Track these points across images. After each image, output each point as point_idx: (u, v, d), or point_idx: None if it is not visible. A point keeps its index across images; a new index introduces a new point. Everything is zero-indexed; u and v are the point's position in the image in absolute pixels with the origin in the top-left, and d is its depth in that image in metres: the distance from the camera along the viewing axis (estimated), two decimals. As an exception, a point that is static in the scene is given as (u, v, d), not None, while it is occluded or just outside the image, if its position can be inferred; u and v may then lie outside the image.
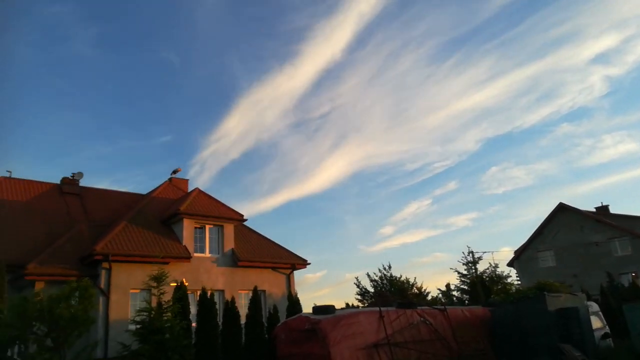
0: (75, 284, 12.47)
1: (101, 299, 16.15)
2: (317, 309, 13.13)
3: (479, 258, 30.52)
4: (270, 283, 21.37)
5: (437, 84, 75.38)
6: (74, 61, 69.82)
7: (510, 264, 34.23)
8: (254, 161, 79.80)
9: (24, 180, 22.18)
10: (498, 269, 30.29)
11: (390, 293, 29.94)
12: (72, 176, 23.52)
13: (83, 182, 23.91)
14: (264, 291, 20.61)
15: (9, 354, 12.75)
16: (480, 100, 70.66)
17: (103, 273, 16.65)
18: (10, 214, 19.38)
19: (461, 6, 72.48)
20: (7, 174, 21.88)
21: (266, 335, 16.55)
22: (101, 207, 22.68)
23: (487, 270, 30.19)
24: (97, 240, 17.47)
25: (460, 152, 76.37)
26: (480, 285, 23.21)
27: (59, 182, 23.23)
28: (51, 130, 70.24)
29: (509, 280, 29.54)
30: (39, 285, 15.50)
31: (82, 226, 19.40)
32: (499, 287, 26.70)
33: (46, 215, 20.33)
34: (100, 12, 71.80)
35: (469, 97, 71.60)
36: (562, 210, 36.76)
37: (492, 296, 20.73)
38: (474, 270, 30.37)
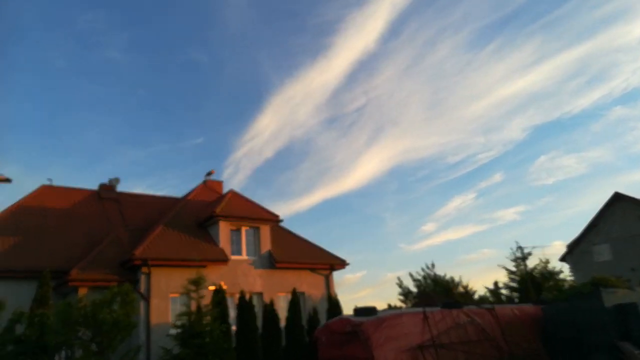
0: (117, 289, 12.56)
1: (142, 304, 16.22)
2: (359, 311, 12.71)
3: (529, 253, 29.26)
4: (309, 285, 21.07)
5: (477, 71, 73.33)
6: (107, 67, 71.83)
7: (562, 259, 32.67)
8: (288, 160, 79.97)
9: (64, 187, 22.76)
10: (549, 265, 29.01)
11: (435, 293, 29.14)
12: (109, 182, 23.96)
13: (120, 188, 24.38)
14: (302, 293, 20.34)
15: (56, 359, 12.97)
16: (526, 86, 68.12)
17: (142, 278, 16.74)
18: (53, 221, 19.85)
19: (499, -13, 70.24)
20: (49, 182, 22.50)
21: (306, 338, 16.28)
22: (138, 211, 23.03)
23: (538, 267, 28.90)
24: (136, 245, 17.63)
25: (506, 142, 73.86)
26: (530, 282, 22.20)
27: (97, 188, 23.74)
28: (87, 137, 72.50)
29: (561, 276, 28.19)
30: (82, 291, 15.71)
31: (121, 231, 19.65)
32: (551, 283, 25.50)
33: (86, 222, 20.76)
34: (130, 17, 73.60)
35: (512, 83, 69.17)
36: (618, 199, 34.83)
37: (543, 293, 19.78)
38: (523, 267, 29.17)
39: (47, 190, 21.85)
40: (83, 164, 71.96)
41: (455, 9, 69.80)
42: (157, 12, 73.28)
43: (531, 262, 28.85)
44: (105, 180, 23.97)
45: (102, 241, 18.80)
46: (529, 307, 15.29)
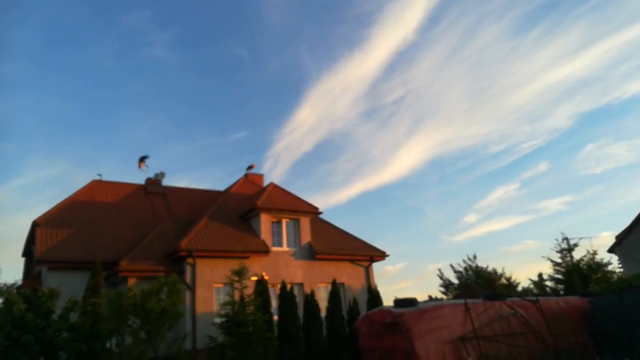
0: (164, 280, 13.02)
1: (188, 294, 16.78)
2: (399, 302, 12.71)
3: (575, 245, 28.27)
4: (349, 276, 21.20)
5: (521, 58, 70.84)
6: (152, 65, 74.03)
7: (610, 250, 31.26)
8: (327, 152, 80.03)
9: (112, 182, 23.73)
10: (597, 256, 27.94)
11: (476, 284, 28.65)
12: (156, 176, 24.79)
13: (165, 182, 25.18)
14: (342, 284, 20.49)
15: (107, 345, 13.62)
16: (572, 72, 65.27)
17: (188, 268, 17.31)
18: (103, 215, 20.77)
19: (543, -29, 67.48)
20: (98, 178, 23.51)
21: (347, 329, 16.41)
22: (183, 205, 23.78)
23: (585, 258, 27.91)
24: (181, 237, 18.21)
25: (551, 130, 71.10)
26: (576, 274, 21.46)
27: (144, 182, 24.63)
28: (135, 133, 75.00)
29: (610, 268, 27.09)
30: (131, 281, 16.39)
31: (167, 224, 20.33)
32: (599, 275, 24.57)
33: (134, 215, 21.62)
34: (174, 16, 75.39)
35: (558, 69, 66.42)
36: (668, 189, 33.14)
37: (590, 286, 19.11)
38: (569, 258, 28.23)
39: (97, 185, 22.86)
40: (131, 159, 74.50)
41: (497, -6, 67.63)
42: (199, 9, 74.78)
43: (578, 254, 27.89)
44: (151, 175, 24.83)
45: (149, 233, 19.56)
46: (575, 300, 14.83)
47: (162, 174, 24.86)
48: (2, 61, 64.52)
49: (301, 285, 19.59)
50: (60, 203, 20.42)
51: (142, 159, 24.74)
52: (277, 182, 22.51)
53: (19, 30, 65.51)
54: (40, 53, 67.44)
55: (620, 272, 27.71)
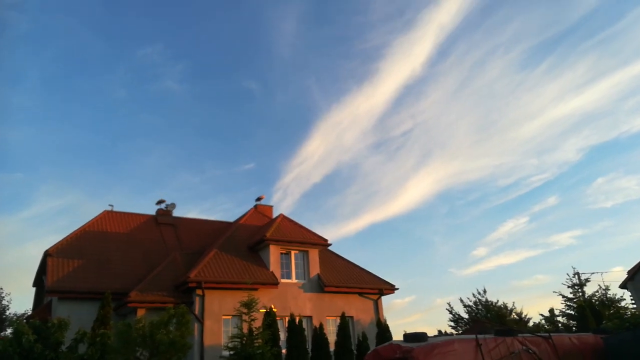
0: (173, 311, 13.00)
1: (196, 325, 16.71)
2: (409, 337, 12.53)
3: (587, 280, 27.93)
4: (358, 309, 21.01)
5: (529, 91, 71.46)
6: (163, 97, 75.55)
7: (623, 286, 30.83)
8: (336, 184, 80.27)
9: (124, 213, 24.03)
10: (609, 292, 27.51)
11: (487, 319, 28.21)
12: (166, 207, 25.06)
13: (175, 213, 25.39)
14: (351, 317, 20.30)
15: (115, 377, 13.50)
16: (580, 105, 65.67)
17: (197, 300, 17.30)
18: (114, 245, 20.95)
19: (551, 6, 68.63)
20: (110, 208, 23.83)
21: (356, 363, 16.21)
22: (193, 235, 23.95)
23: (597, 293, 27.50)
24: (191, 268, 18.28)
25: (560, 164, 71.10)
26: (589, 310, 21.10)
27: (154, 213, 24.88)
28: (145, 164, 75.92)
29: (623, 303, 26.64)
30: (140, 312, 16.41)
31: (177, 255, 20.43)
32: (611, 311, 24.13)
33: (144, 246, 21.78)
34: (185, 49, 77.40)
35: (566, 102, 66.88)
36: (680, 223, 32.78)
37: (604, 322, 18.76)
38: (581, 294, 27.80)
39: (108, 216, 23.14)
40: (141, 189, 75.25)
41: (505, 29, 68.83)
42: (210, 43, 76.71)
43: (589, 289, 27.50)
44: (162, 206, 25.09)
45: (159, 264, 19.66)
46: (588, 337, 14.54)
47: (172, 205, 25.15)
48: (16, 92, 66.24)
49: (310, 318, 19.43)
50: (72, 233, 20.67)
51: (159, 202, 25.22)
52: (285, 213, 22.64)
53: (34, 61, 67.50)
54: (54, 84, 69.30)
55: (633, 308, 27.20)
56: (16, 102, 64.67)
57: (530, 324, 30.14)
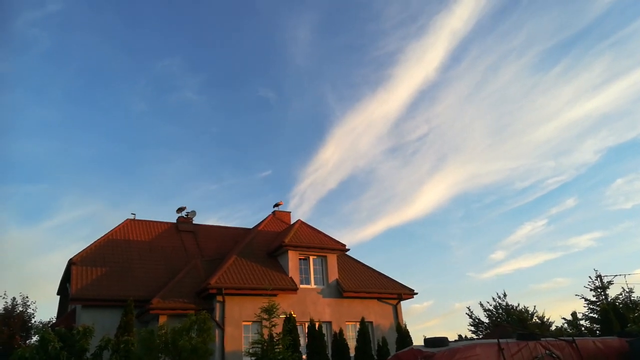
0: (195, 317, 13.17)
1: (217, 331, 16.86)
2: (429, 341, 12.47)
3: (610, 282, 27.32)
4: (377, 314, 20.97)
5: (544, 94, 70.71)
6: (182, 108, 76.66)
7: (646, 288, 30.35)
8: (351, 189, 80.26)
9: (146, 221, 24.40)
10: (633, 294, 26.90)
11: (507, 323, 27.85)
12: (187, 215, 25.38)
13: (195, 220, 25.70)
14: (371, 322, 20.25)
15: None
16: (597, 107, 64.67)
17: (217, 306, 17.47)
18: (136, 253, 21.29)
19: (564, 9, 67.89)
20: (132, 216, 24.22)
21: (377, 368, 16.17)
22: (213, 242, 24.23)
23: (621, 296, 26.92)
24: (211, 275, 18.46)
25: (578, 165, 70.03)
26: (613, 312, 20.69)
27: (175, 220, 25.21)
28: (165, 173, 76.96)
29: (648, 306, 26.01)
30: (162, 319, 16.62)
31: (197, 261, 20.67)
32: (636, 314, 23.62)
33: (166, 253, 22.09)
34: (202, 60, 78.59)
35: (582, 104, 65.95)
36: None
37: (629, 325, 18.39)
38: (604, 297, 27.27)
39: (131, 224, 23.54)
40: (162, 197, 76.31)
41: (518, 32, 68.26)
42: (227, 54, 77.70)
43: (612, 292, 26.96)
44: (182, 213, 25.44)
45: (180, 271, 19.91)
46: (613, 340, 14.29)
47: (193, 213, 25.45)
48: (41, 106, 67.78)
49: (329, 323, 19.46)
50: (96, 241, 21.05)
51: (180, 210, 25.45)
52: (302, 219, 22.75)
53: (58, 76, 69.04)
54: (77, 97, 70.70)
55: (659, 310, 26.54)
56: (40, 115, 66.24)
57: (553, 327, 29.64)
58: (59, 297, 24.28)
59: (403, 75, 70.89)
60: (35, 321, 25.24)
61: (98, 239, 21.22)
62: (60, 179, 72.34)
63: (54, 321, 24.09)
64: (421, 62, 70.03)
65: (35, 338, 22.64)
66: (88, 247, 20.45)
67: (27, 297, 25.60)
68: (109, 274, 19.27)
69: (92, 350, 13.01)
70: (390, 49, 73.49)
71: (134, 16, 70.44)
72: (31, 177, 69.88)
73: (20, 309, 24.99)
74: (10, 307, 24.64)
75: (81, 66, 69.48)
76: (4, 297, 24.84)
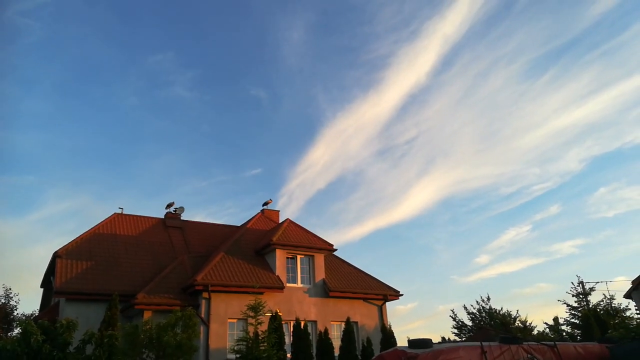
0: (180, 314, 13.14)
1: (202, 328, 16.82)
2: (413, 343, 12.58)
3: (591, 289, 27.82)
4: (362, 314, 21.07)
5: (532, 102, 71.53)
6: (173, 104, 76.20)
7: (627, 296, 30.76)
8: (340, 190, 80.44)
9: (133, 216, 24.22)
10: (614, 301, 27.36)
11: (491, 327, 28.14)
12: (175, 211, 25.26)
13: (183, 216, 25.59)
14: (356, 323, 20.35)
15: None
16: (583, 116, 65.65)
17: (203, 303, 17.43)
18: (123, 248, 21.14)
19: (555, 18, 68.66)
20: (120, 211, 24.04)
21: (361, 368, 16.25)
22: (200, 239, 24.13)
23: (602, 303, 27.38)
24: (198, 271, 18.41)
25: (562, 173, 71.05)
26: (594, 319, 21.04)
27: (163, 216, 25.07)
28: (154, 168, 76.46)
29: (628, 313, 26.48)
30: (147, 314, 16.54)
31: (184, 258, 20.59)
32: (617, 321, 24.02)
33: (153, 248, 21.97)
34: (195, 57, 78.20)
35: (569, 113, 66.85)
36: (686, 233, 32.60)
37: (609, 332, 18.68)
38: (585, 303, 27.70)
39: (118, 218, 23.35)
40: (150, 193, 75.76)
41: (508, 40, 68.93)
42: (219, 51, 77.36)
43: (594, 298, 27.40)
44: (170, 209, 25.30)
45: (167, 267, 19.82)
46: (594, 346, 14.53)
47: (181, 209, 25.34)
48: (29, 96, 66.88)
49: (314, 322, 19.51)
50: (82, 235, 20.84)
51: (169, 206, 25.30)
52: (291, 218, 22.76)
53: (47, 67, 68.16)
54: (66, 89, 69.88)
55: (638, 317, 27.02)
56: (29, 107, 65.33)
57: (535, 332, 30.02)
58: (42, 289, 24.01)
59: (394, 79, 71.27)
60: (17, 313, 24.95)
61: (84, 233, 21.01)
62: (47, 172, 71.57)
63: (36, 314, 23.81)
64: (413, 66, 70.45)
65: (17, 330, 22.43)
66: (74, 240, 20.25)
67: (10, 289, 25.36)
68: (94, 268, 19.11)
69: (75, 344, 12.91)
70: (382, 52, 73.83)
71: (127, 9, 69.79)
72: (18, 169, 68.91)
73: (3, 300, 24.69)
74: (-8, 298, 24.34)
75: (72, 58, 68.66)
76: (-14, 289, 24.49)
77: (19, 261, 63.20)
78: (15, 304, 25.07)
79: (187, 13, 73.73)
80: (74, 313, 15.77)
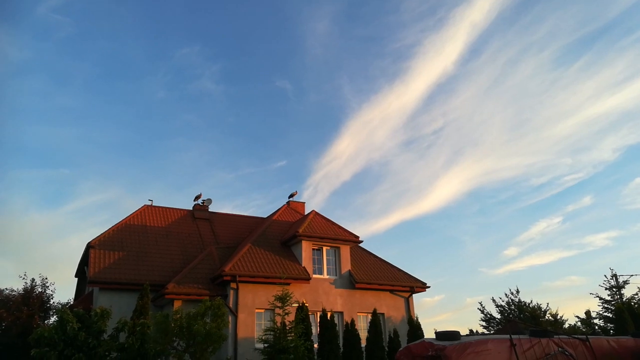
0: (209, 303, 13.38)
1: (230, 317, 17.11)
2: (441, 335, 12.48)
3: (625, 282, 27.07)
4: (389, 306, 21.05)
5: (564, 89, 69.47)
6: (200, 97, 77.24)
7: (662, 289, 30.01)
8: (365, 182, 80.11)
9: (163, 207, 24.73)
10: (649, 295, 26.58)
11: (520, 319, 27.74)
12: (203, 203, 25.67)
13: (211, 208, 25.98)
14: (382, 314, 20.35)
15: (153, 366, 13.96)
16: (618, 104, 63.41)
17: (231, 293, 17.71)
18: (153, 239, 21.63)
19: (587, 3, 66.40)
20: (150, 202, 24.58)
21: (387, 360, 16.28)
22: (228, 230, 24.48)
23: (636, 296, 26.63)
24: (226, 262, 18.70)
25: (596, 163, 68.92)
26: (628, 312, 20.51)
27: (191, 208, 25.52)
28: (182, 161, 77.75)
29: (663, 307, 25.70)
30: (177, 304, 16.91)
31: (212, 248, 20.93)
32: (651, 315, 23.35)
33: (182, 239, 22.41)
34: (222, 50, 78.95)
35: (603, 101, 64.68)
36: None
37: (643, 326, 18.22)
38: (619, 296, 27.00)
39: (148, 210, 23.89)
40: (179, 185, 77.07)
41: (539, 26, 67.02)
42: (246, 44, 77.75)
43: (628, 291, 26.66)
44: (198, 201, 25.73)
45: (195, 257, 20.21)
46: (627, 340, 14.15)
47: (209, 200, 25.73)
48: (62, 92, 68.65)
49: (341, 313, 19.60)
50: (114, 226, 21.40)
51: (197, 198, 25.72)
52: (316, 210, 22.82)
53: (78, 63, 69.80)
54: (97, 85, 71.45)
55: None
56: (62, 103, 67.15)
57: (566, 326, 29.46)
58: (76, 279, 24.80)
59: (421, 68, 70.29)
60: (53, 302, 25.81)
61: (116, 224, 21.58)
62: (80, 165, 73.45)
63: (72, 303, 24.61)
64: (440, 55, 69.31)
65: (54, 318, 23.24)
66: (106, 231, 20.84)
67: (46, 278, 26.16)
68: (126, 258, 19.63)
69: (109, 332, 13.33)
70: (409, 42, 72.86)
71: (155, 3, 70.76)
72: (53, 163, 71.05)
73: (40, 289, 25.53)
74: (29, 287, 25.17)
75: (102, 54, 70.15)
76: (23, 278, 25.36)
77: (54, 252, 65.49)
78: (51, 292, 25.88)
79: (212, 6, 74.29)
80: (107, 302, 16.26)
